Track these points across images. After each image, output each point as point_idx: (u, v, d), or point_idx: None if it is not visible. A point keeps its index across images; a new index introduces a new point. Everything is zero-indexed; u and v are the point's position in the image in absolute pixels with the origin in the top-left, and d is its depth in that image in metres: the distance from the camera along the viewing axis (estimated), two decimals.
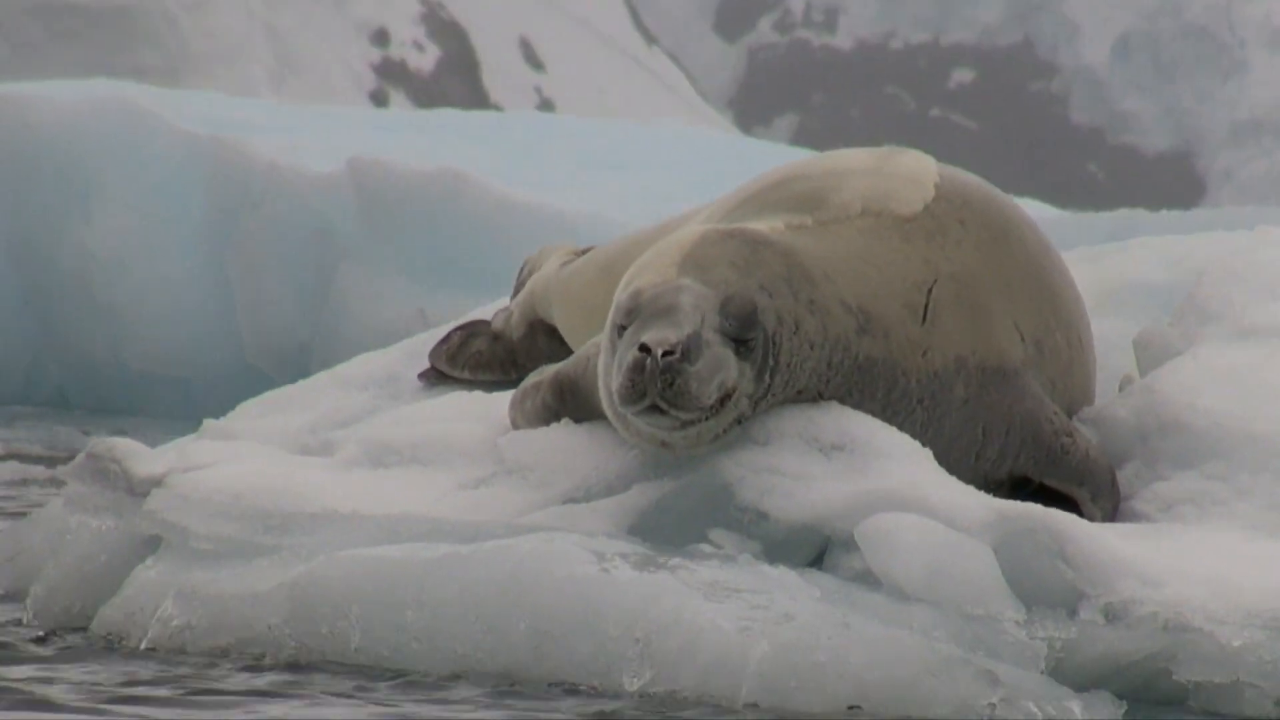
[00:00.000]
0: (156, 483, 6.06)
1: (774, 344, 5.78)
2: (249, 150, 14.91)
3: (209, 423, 6.97)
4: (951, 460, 6.01)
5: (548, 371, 6.31)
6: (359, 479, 6.10)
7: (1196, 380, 6.29)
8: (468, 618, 5.50)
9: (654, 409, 5.65)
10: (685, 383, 5.63)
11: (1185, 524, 6.06)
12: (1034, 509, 5.64)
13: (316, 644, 5.62)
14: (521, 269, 7.73)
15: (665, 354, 5.62)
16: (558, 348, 7.25)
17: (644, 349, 5.63)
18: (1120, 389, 6.54)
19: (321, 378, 7.26)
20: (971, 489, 5.80)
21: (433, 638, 5.52)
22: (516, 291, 7.63)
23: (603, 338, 5.92)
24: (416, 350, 7.40)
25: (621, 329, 5.77)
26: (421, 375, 7.39)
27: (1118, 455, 6.31)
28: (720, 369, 5.69)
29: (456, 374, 7.43)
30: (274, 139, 15.50)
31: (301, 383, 7.29)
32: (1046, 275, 6.34)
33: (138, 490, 6.10)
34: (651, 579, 5.46)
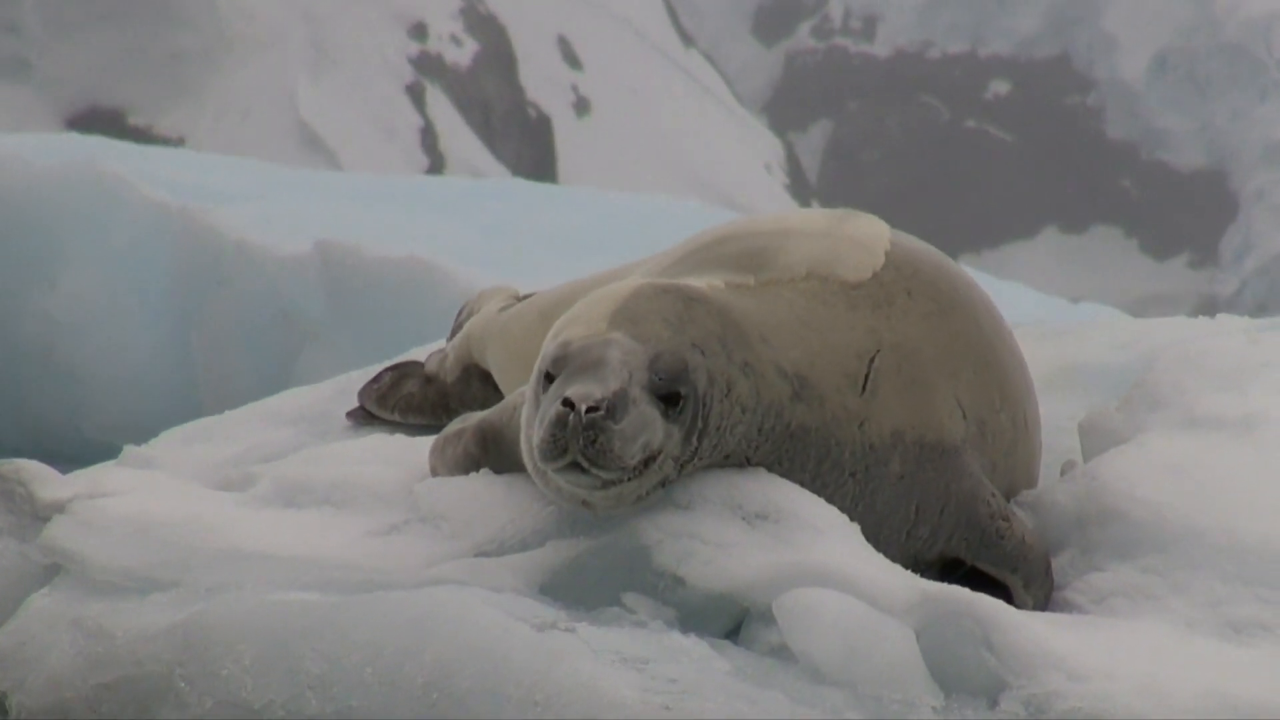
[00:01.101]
0: (60, 508, 5.91)
1: (704, 405, 5.55)
2: (217, 224, 14.80)
3: (129, 449, 6.80)
4: (881, 537, 5.82)
5: (472, 419, 6.12)
6: (269, 517, 5.91)
7: (1139, 469, 6.09)
8: (364, 669, 5.28)
9: (575, 466, 5.42)
10: (608, 441, 5.40)
11: (1117, 617, 5.86)
12: (961, 593, 5.45)
13: (208, 687, 5.44)
14: (460, 311, 7.55)
15: (589, 410, 5.38)
16: (492, 393, 7.07)
17: (567, 403, 5.39)
18: (1062, 474, 6.36)
19: (250, 409, 7.10)
20: (898, 568, 5.60)
21: (328, 687, 5.32)
22: (454, 334, 7.46)
23: (528, 388, 5.75)
24: (347, 388, 7.24)
25: (548, 381, 5.57)
26: (350, 414, 7.24)
27: (1055, 542, 6.13)
28: (645, 429, 5.46)
29: (386, 415, 7.25)
30: (243, 210, 15.34)
31: (228, 413, 7.13)
32: (994, 352, 6.15)
33: (41, 514, 5.93)
34: (557, 641, 5.27)
